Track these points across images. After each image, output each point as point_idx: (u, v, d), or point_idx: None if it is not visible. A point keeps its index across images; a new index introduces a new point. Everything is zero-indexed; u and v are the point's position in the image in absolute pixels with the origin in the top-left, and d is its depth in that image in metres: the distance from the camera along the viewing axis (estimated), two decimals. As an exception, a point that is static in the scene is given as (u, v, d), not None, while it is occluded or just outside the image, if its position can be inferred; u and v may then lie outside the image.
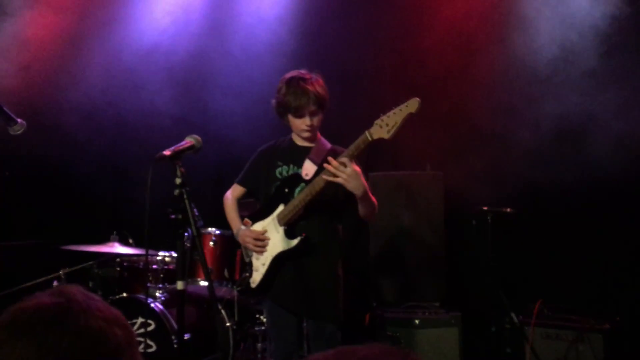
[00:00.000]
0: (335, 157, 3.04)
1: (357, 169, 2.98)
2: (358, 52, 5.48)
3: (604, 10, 4.70)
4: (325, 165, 3.01)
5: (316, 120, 3.26)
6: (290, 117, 3.28)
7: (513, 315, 4.28)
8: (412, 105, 2.86)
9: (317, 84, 3.24)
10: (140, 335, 3.91)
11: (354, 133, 3.00)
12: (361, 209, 3.19)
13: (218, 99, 5.66)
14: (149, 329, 3.95)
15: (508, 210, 4.43)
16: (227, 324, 4.23)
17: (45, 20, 5.68)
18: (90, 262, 4.57)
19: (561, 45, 4.84)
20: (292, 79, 3.25)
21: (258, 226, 3.33)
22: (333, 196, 3.21)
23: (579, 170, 4.73)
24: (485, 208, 4.47)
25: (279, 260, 3.24)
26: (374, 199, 3.18)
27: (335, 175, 2.97)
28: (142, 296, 4.15)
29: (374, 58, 5.44)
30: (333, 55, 5.35)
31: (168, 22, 5.83)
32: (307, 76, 3.25)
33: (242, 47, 5.70)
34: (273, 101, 3.33)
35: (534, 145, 4.89)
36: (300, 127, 3.26)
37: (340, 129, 3.58)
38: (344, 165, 2.95)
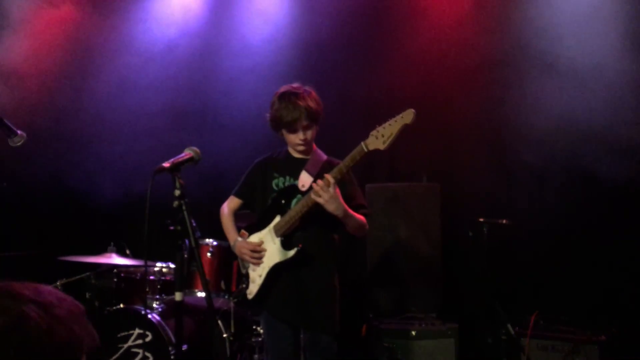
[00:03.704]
0: (330, 169, 3.07)
1: (337, 191, 2.98)
2: (354, 63, 5.51)
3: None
4: (313, 184, 3.03)
5: (310, 133, 3.27)
6: (284, 132, 3.29)
7: (509, 326, 4.29)
8: (407, 116, 2.89)
9: (310, 98, 3.23)
10: (138, 346, 3.92)
11: (350, 144, 3.02)
12: (348, 228, 3.21)
13: (217, 111, 5.69)
14: (146, 340, 3.94)
15: (504, 221, 4.45)
16: (224, 335, 4.23)
17: (45, 32, 5.74)
18: (88, 273, 4.58)
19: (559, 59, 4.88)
20: (284, 93, 3.25)
21: (255, 237, 3.33)
22: (329, 208, 3.23)
23: (574, 182, 4.75)
24: (481, 219, 4.49)
25: (276, 271, 3.24)
26: (360, 216, 3.19)
27: (319, 195, 2.98)
28: (139, 307, 4.13)
29: (370, 70, 5.47)
30: (329, 68, 5.38)
31: (167, 37, 5.88)
32: (300, 90, 3.24)
33: (241, 59, 5.73)
34: (267, 115, 3.34)
35: (530, 157, 4.91)
36: (294, 141, 3.28)
37: (336, 140, 3.60)
38: (328, 184, 2.96)
